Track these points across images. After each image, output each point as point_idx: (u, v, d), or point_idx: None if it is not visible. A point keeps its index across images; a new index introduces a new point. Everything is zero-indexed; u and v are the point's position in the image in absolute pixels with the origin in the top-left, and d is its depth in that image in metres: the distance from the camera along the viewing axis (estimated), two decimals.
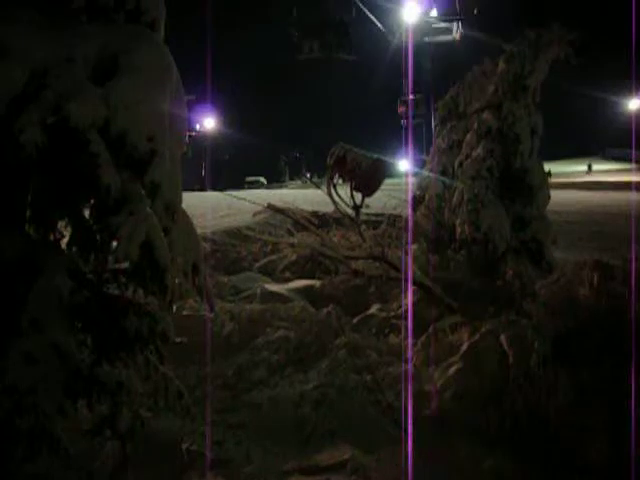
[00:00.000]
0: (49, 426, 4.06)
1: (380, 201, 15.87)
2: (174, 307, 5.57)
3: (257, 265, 14.08)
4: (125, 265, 4.52)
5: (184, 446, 6.27)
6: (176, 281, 5.13)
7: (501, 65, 12.61)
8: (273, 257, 13.34)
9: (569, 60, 12.07)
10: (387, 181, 19.39)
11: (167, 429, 6.28)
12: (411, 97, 29.02)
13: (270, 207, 11.26)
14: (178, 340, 6.22)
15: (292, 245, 12.70)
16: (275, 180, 73.30)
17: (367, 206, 20.14)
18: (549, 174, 12.57)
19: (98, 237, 4.57)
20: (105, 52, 4.63)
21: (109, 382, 4.50)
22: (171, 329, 4.72)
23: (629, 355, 7.04)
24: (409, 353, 8.57)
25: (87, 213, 4.64)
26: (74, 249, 4.73)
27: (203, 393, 7.58)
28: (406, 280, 10.62)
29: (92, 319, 4.43)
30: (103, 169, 4.19)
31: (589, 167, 62.99)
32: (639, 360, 7.02)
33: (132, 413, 4.72)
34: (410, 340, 8.95)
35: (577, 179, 48.99)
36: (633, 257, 8.78)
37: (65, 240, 4.80)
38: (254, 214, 11.60)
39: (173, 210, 4.96)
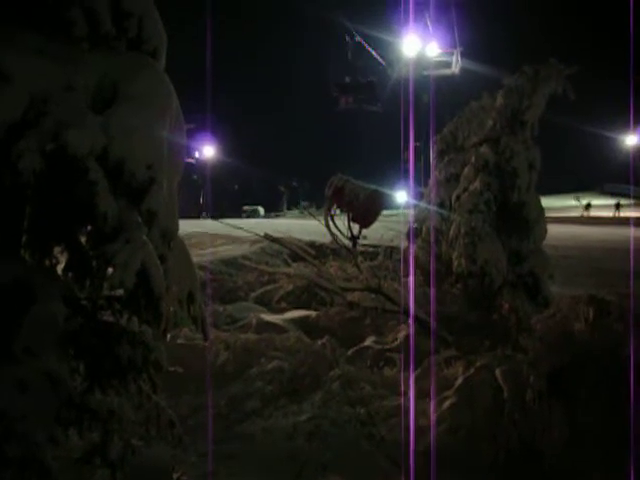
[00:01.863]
0: (39, 454, 4.02)
1: (377, 232, 15.91)
2: (168, 336, 5.56)
3: (253, 295, 14.05)
4: (120, 292, 4.51)
5: (175, 476, 6.20)
6: (171, 309, 5.14)
7: (499, 100, 12.73)
8: (269, 287, 13.33)
9: (567, 95, 12.18)
10: (385, 213, 19.44)
11: (159, 458, 6.20)
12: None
13: (267, 237, 11.25)
14: (172, 369, 6.21)
15: (288, 275, 12.67)
16: (273, 209, 73.38)
17: (364, 237, 20.24)
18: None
19: (94, 264, 4.55)
20: (105, 80, 4.66)
21: (101, 410, 4.46)
22: (164, 358, 4.70)
23: (625, 391, 7.02)
24: (404, 387, 8.53)
25: (84, 239, 4.65)
26: (70, 275, 4.72)
27: (196, 423, 7.53)
28: (402, 313, 10.61)
29: (86, 346, 4.40)
30: (100, 197, 4.19)
31: (587, 206, 60.41)
32: (637, 397, 6.99)
33: (123, 441, 4.67)
34: (406, 373, 8.92)
35: (575, 213, 49.08)
36: (632, 293, 8.78)
37: (61, 266, 4.79)
38: (251, 244, 11.59)
39: (170, 238, 4.96)
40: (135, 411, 4.82)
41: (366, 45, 32.10)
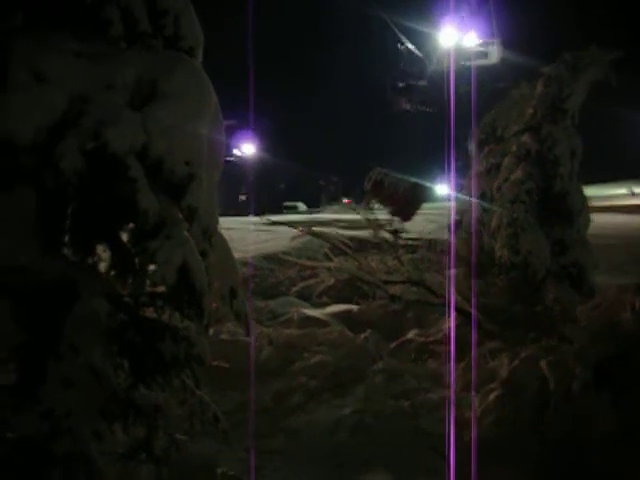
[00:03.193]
0: (85, 450, 4.07)
1: (419, 225, 15.81)
2: (211, 331, 5.58)
3: (294, 289, 14.07)
4: (162, 288, 4.55)
5: (219, 471, 6.23)
6: (213, 305, 5.17)
7: (539, 88, 12.55)
8: (310, 281, 13.33)
9: (610, 81, 11.96)
10: (426, 205, 19.29)
11: (203, 453, 6.25)
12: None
13: (307, 232, 11.25)
14: (215, 364, 6.24)
15: (329, 269, 12.66)
16: (314, 205, 73.38)
17: (405, 230, 20.16)
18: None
19: (136, 261, 4.59)
20: (143, 78, 4.68)
21: (145, 405, 4.51)
22: (207, 353, 4.72)
23: None
24: (448, 379, 8.47)
25: (125, 237, 4.69)
26: (112, 272, 4.77)
27: (241, 418, 7.56)
28: (446, 305, 10.53)
29: (129, 342, 4.44)
30: (141, 194, 4.22)
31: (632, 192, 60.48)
32: None
33: (167, 437, 4.71)
34: (450, 366, 8.85)
35: (619, 202, 48.09)
36: None
37: (104, 264, 4.84)
38: (292, 238, 11.63)
39: (210, 234, 4.99)
40: (179, 406, 4.85)
41: (417, 51, 32.38)
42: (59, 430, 4.00)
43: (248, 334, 5.50)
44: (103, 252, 4.88)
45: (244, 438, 7.08)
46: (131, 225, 4.58)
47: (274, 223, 12.77)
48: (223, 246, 5.28)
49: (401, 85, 33.75)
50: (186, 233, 4.60)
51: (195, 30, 5.35)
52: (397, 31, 30.44)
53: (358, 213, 14.01)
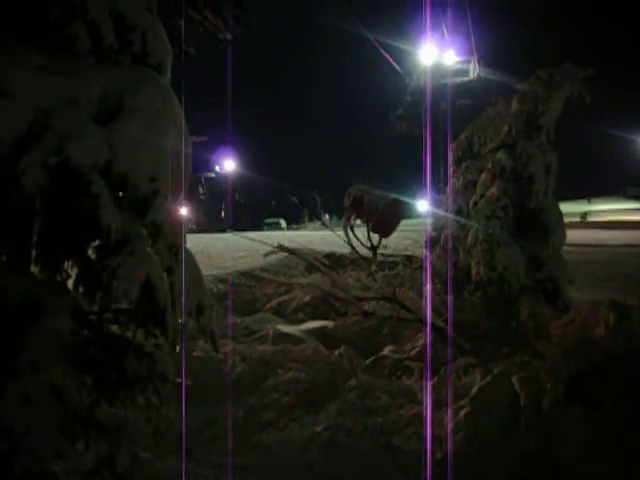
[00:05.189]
0: (44, 468, 4.03)
1: (400, 242, 15.88)
2: (179, 348, 5.54)
3: (267, 306, 14.00)
4: (127, 305, 4.53)
5: None
6: (180, 321, 5.15)
7: (514, 105, 12.67)
8: (284, 298, 13.27)
9: (583, 98, 12.09)
10: (407, 222, 19.35)
11: (170, 470, 6.19)
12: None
13: (280, 248, 11.25)
14: (188, 382, 6.21)
15: (301, 286, 12.66)
16: (295, 222, 73.48)
17: (385, 247, 20.21)
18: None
19: (103, 277, 4.57)
20: (109, 93, 4.68)
21: (107, 423, 4.47)
22: (169, 370, 4.69)
23: None
24: (421, 396, 8.45)
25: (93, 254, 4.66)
26: (81, 289, 4.73)
27: (211, 435, 7.51)
28: (418, 321, 10.54)
29: (92, 359, 4.40)
30: (104, 210, 4.21)
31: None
32: None
33: (131, 454, 4.67)
34: (423, 382, 8.84)
35: (599, 218, 48.63)
36: None
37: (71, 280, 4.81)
38: (265, 255, 11.60)
39: (176, 250, 4.98)
40: (145, 424, 4.81)
41: (398, 68, 33.20)
42: (18, 448, 3.95)
43: (216, 350, 5.44)
44: (71, 269, 4.85)
45: (214, 455, 7.04)
46: (98, 241, 4.56)
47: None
48: (190, 262, 5.26)
49: (400, 112, 36.79)
50: (150, 249, 4.59)
51: (163, 46, 5.39)
52: (379, 47, 30.89)
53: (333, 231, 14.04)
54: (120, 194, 4.55)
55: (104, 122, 4.54)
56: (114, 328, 4.67)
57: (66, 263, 4.83)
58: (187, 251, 5.25)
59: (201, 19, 11.70)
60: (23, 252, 4.78)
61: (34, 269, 4.79)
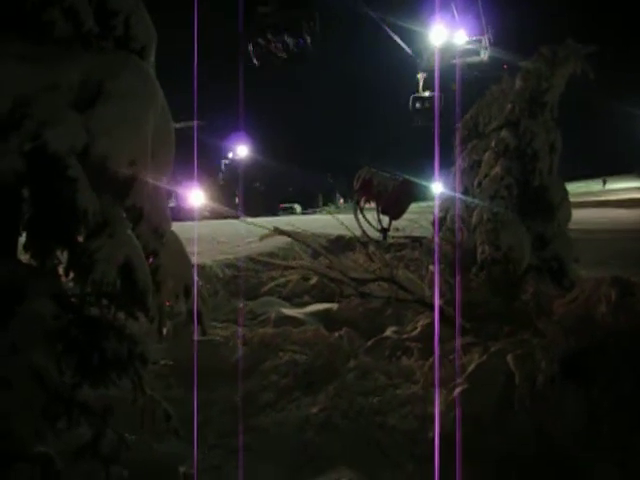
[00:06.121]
0: (25, 450, 4.08)
1: (414, 223, 15.87)
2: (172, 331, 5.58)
3: (266, 288, 13.97)
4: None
5: (181, 470, 6.24)
6: (167, 304, 5.20)
7: (518, 83, 12.53)
8: (281, 280, 13.26)
9: (587, 75, 11.96)
10: (421, 204, 19.23)
11: (165, 453, 6.27)
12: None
13: (276, 231, 11.21)
14: (189, 365, 6.24)
15: (292, 267, 12.65)
16: (310, 206, 73.29)
17: (396, 229, 20.12)
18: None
19: (84, 260, 4.61)
20: (90, 79, 4.70)
21: (93, 405, 4.52)
22: (149, 352, 4.73)
23: None
24: (419, 375, 8.47)
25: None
26: (71, 274, 4.77)
27: (209, 417, 7.58)
28: (416, 301, 10.53)
29: (74, 342, 4.45)
30: (80, 193, 4.24)
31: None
32: None
33: (116, 436, 4.72)
34: (422, 362, 8.86)
35: (611, 197, 48.20)
36: None
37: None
38: (260, 238, 11.57)
39: (161, 233, 5.01)
40: (130, 405, 4.86)
41: (408, 49, 33.05)
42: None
43: (204, 333, 5.48)
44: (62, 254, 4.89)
45: (210, 436, 7.11)
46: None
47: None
48: (176, 245, 5.30)
49: (418, 106, 37.34)
50: (130, 232, 4.63)
51: (147, 30, 5.38)
52: (387, 29, 30.72)
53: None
54: (99, 178, 4.57)
55: (84, 107, 4.57)
56: (97, 311, 4.69)
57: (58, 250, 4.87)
58: (173, 234, 5.29)
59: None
60: (8, 237, 4.82)
61: (25, 256, 4.82)
